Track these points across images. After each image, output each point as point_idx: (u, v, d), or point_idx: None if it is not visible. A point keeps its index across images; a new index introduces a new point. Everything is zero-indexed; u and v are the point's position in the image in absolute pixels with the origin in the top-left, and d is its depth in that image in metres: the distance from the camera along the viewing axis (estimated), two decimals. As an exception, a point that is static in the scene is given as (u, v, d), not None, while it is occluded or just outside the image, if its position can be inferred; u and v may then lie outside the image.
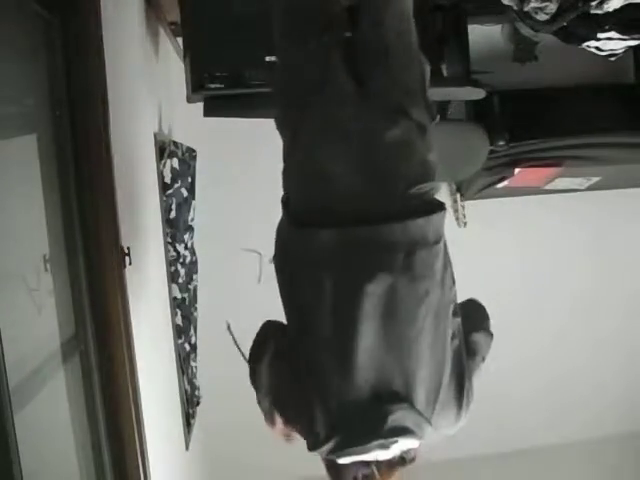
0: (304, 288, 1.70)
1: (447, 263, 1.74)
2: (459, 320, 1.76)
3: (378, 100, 1.72)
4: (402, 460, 1.73)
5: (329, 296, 1.65)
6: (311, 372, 1.69)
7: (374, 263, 1.63)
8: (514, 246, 4.40)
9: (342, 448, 1.67)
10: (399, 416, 1.66)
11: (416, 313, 1.65)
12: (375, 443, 1.66)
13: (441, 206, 1.73)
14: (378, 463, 1.70)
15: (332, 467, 1.74)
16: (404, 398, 1.67)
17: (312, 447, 1.71)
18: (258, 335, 1.90)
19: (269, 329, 1.90)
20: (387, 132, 1.69)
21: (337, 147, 1.69)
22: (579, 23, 2.28)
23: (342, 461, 1.70)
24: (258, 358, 1.83)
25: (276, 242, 1.81)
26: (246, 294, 4.17)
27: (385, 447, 1.68)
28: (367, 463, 1.69)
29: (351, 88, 1.74)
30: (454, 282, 1.76)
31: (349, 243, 1.64)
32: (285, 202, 1.79)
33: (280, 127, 1.84)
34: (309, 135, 1.73)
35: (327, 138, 1.71)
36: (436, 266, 1.68)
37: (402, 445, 1.70)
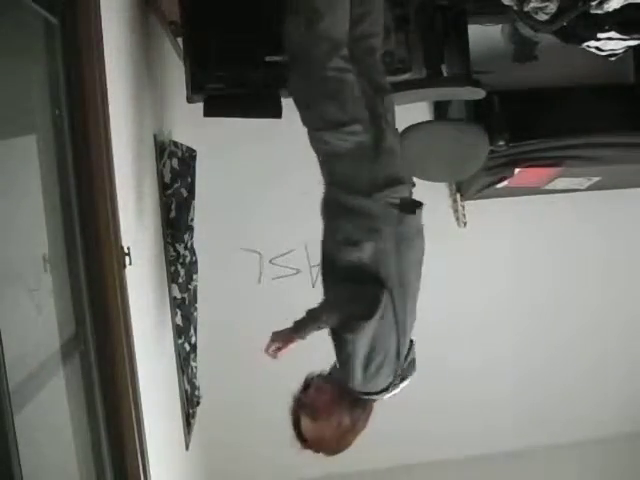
0: (407, 260, 2.26)
1: None
2: None
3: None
4: None
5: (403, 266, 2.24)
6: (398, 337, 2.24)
7: (419, 239, 2.31)
8: (514, 246, 4.40)
9: (389, 390, 2.27)
10: (410, 361, 2.32)
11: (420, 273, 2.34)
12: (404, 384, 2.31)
13: None
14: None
15: (365, 406, 2.26)
16: (412, 343, 2.33)
17: (379, 392, 2.25)
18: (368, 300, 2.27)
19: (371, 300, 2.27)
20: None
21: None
22: (579, 23, 2.28)
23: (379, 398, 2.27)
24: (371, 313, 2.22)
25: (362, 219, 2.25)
26: (246, 294, 4.18)
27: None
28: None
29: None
30: None
31: (415, 226, 2.29)
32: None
33: (329, 127, 2.25)
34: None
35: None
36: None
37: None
